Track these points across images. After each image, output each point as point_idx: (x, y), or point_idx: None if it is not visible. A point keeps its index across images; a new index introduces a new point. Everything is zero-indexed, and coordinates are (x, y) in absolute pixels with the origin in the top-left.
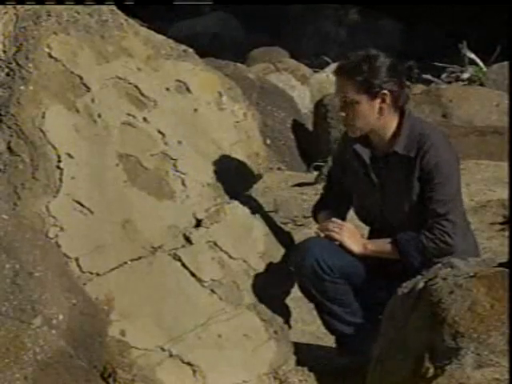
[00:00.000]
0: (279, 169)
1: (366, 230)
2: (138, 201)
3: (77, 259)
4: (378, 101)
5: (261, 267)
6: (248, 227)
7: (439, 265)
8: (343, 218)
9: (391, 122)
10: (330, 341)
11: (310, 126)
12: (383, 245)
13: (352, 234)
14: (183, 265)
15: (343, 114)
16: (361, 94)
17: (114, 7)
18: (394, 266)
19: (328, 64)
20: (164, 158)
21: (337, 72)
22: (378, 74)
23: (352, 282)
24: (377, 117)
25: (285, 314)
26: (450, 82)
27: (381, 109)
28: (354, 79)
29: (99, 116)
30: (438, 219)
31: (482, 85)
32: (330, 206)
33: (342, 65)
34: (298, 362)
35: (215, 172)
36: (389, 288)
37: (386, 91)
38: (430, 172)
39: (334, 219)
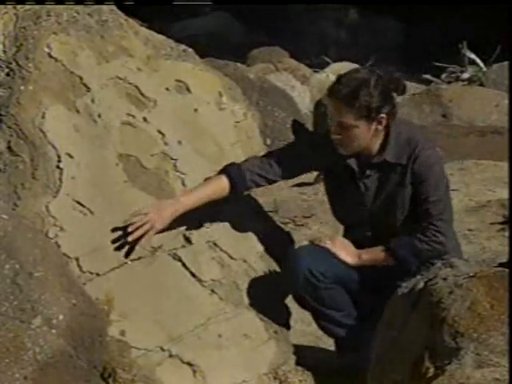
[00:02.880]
0: None
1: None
2: (138, 201)
3: (77, 259)
4: (375, 123)
5: (261, 267)
6: (248, 227)
7: (439, 265)
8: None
9: (380, 136)
10: (329, 341)
11: (309, 126)
12: (378, 253)
13: (345, 246)
14: (183, 265)
15: (338, 137)
16: (359, 120)
17: (113, 7)
18: (387, 268)
19: (328, 64)
20: (164, 157)
21: (332, 96)
22: (375, 99)
23: (346, 286)
24: (371, 137)
25: (285, 314)
26: (449, 82)
27: (376, 130)
28: (352, 106)
29: (99, 116)
30: (431, 219)
31: (481, 85)
32: (266, 164)
33: (337, 89)
34: (298, 362)
35: (215, 172)
36: (383, 288)
37: (383, 115)
38: (421, 174)
39: (322, 238)
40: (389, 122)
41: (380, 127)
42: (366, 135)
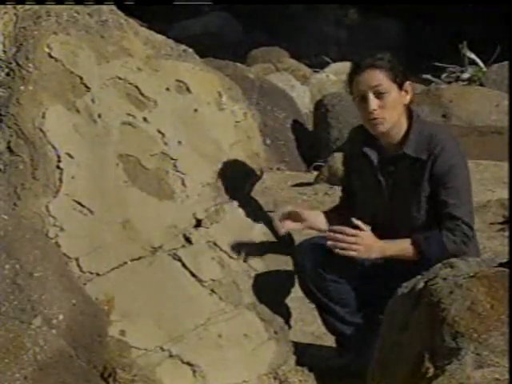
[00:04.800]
0: (279, 169)
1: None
2: (138, 201)
3: (77, 259)
4: (403, 93)
5: (261, 267)
6: (248, 227)
7: (439, 265)
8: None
9: (404, 122)
10: (329, 341)
11: (310, 126)
12: (402, 247)
13: (368, 242)
14: (183, 265)
15: (375, 108)
16: (392, 83)
17: (113, 7)
18: (394, 266)
19: (328, 64)
20: (164, 158)
21: (363, 67)
22: (399, 65)
23: (353, 282)
24: (401, 110)
25: (285, 314)
26: (450, 82)
27: (403, 103)
28: (384, 68)
29: (99, 116)
30: (457, 222)
31: (481, 85)
32: (345, 215)
33: (368, 59)
34: (298, 362)
35: (215, 172)
36: (389, 288)
37: (408, 82)
38: (443, 176)
39: (347, 230)
40: (411, 102)
41: (407, 98)
42: (398, 104)
